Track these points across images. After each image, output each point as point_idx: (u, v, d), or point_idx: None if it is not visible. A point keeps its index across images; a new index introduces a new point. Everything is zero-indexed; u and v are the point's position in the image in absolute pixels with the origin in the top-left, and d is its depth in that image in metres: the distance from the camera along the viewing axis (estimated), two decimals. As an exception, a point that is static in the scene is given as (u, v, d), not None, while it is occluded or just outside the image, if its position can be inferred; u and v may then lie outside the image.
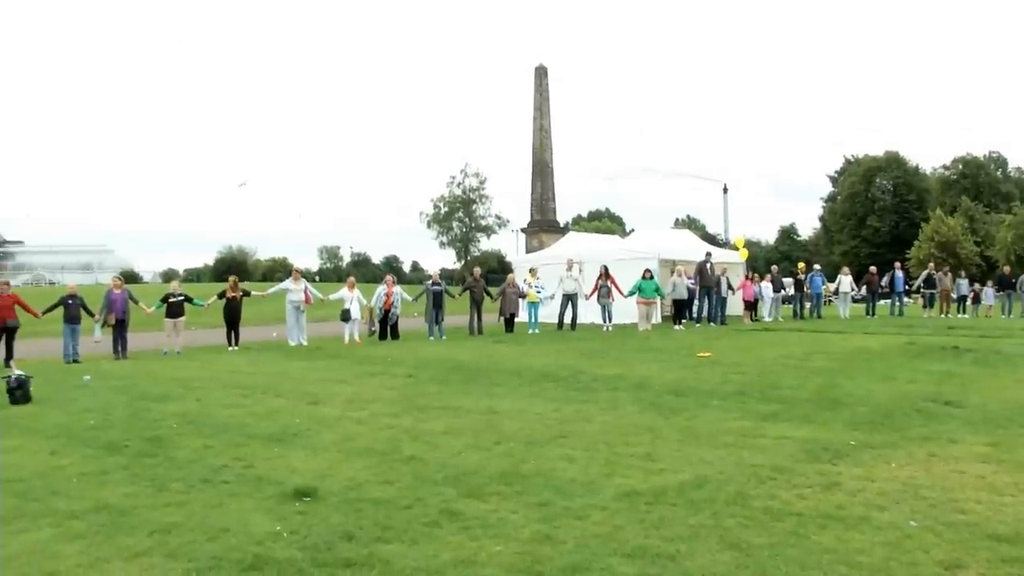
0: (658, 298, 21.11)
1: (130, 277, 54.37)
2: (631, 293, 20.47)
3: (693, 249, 25.02)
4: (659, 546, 4.25)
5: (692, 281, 22.20)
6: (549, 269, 22.51)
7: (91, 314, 16.55)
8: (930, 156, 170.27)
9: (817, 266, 26.76)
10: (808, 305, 25.04)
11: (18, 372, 10.30)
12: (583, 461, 6.23)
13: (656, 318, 21.45)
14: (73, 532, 4.77)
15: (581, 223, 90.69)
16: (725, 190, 45.74)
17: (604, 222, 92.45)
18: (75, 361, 15.46)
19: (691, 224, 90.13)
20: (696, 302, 22.33)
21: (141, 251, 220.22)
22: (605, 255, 23.14)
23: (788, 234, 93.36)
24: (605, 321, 20.75)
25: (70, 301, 16.13)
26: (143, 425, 8.24)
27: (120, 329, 16.45)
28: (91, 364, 14.69)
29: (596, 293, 20.93)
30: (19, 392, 9.93)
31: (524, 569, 3.97)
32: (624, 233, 57.11)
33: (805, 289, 24.92)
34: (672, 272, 21.71)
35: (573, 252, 23.41)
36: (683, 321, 21.15)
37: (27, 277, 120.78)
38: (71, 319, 16.01)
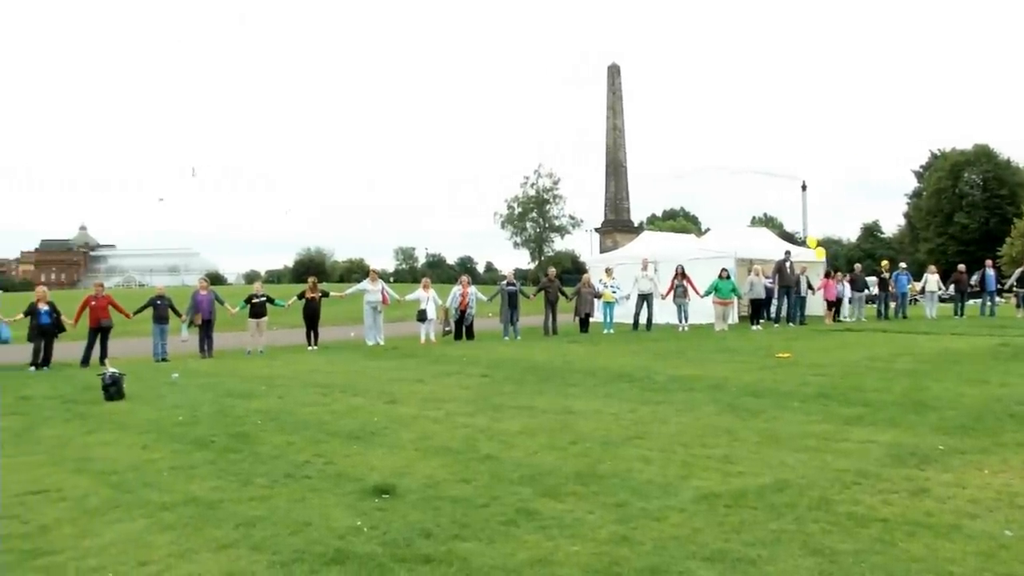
0: (735, 298, 20.76)
1: (215, 279, 56.14)
2: (707, 293, 20.19)
3: (771, 248, 24.51)
4: (739, 550, 4.18)
5: (770, 280, 21.74)
6: (624, 269, 22.37)
7: (178, 314, 17.17)
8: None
9: (902, 264, 25.86)
10: (893, 305, 24.21)
11: (112, 370, 10.74)
12: (660, 462, 6.18)
13: (733, 318, 21.11)
14: (164, 523, 4.96)
15: (656, 222, 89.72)
16: (804, 187, 44.54)
17: (679, 221, 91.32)
18: (164, 359, 16.07)
19: (768, 222, 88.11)
20: (775, 302, 21.88)
21: (224, 254, 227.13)
22: (680, 254, 22.85)
23: (871, 231, 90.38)
24: (681, 321, 20.50)
25: (159, 302, 16.77)
26: (229, 421, 8.51)
27: (206, 329, 17.04)
28: (179, 362, 15.25)
29: (672, 293, 20.70)
30: (113, 389, 10.37)
31: (601, 570, 3.96)
32: (699, 232, 56.25)
33: (890, 288, 24.09)
34: (749, 271, 21.31)
35: (648, 252, 23.21)
36: (761, 321, 20.74)
37: (119, 279, 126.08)
38: (160, 319, 16.65)
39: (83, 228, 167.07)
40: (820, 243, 27.90)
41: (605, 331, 20.28)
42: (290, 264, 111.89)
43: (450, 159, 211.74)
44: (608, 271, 21.69)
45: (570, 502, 5.16)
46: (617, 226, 38.33)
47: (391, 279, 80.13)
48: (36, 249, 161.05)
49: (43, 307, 15.48)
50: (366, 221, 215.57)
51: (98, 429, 8.39)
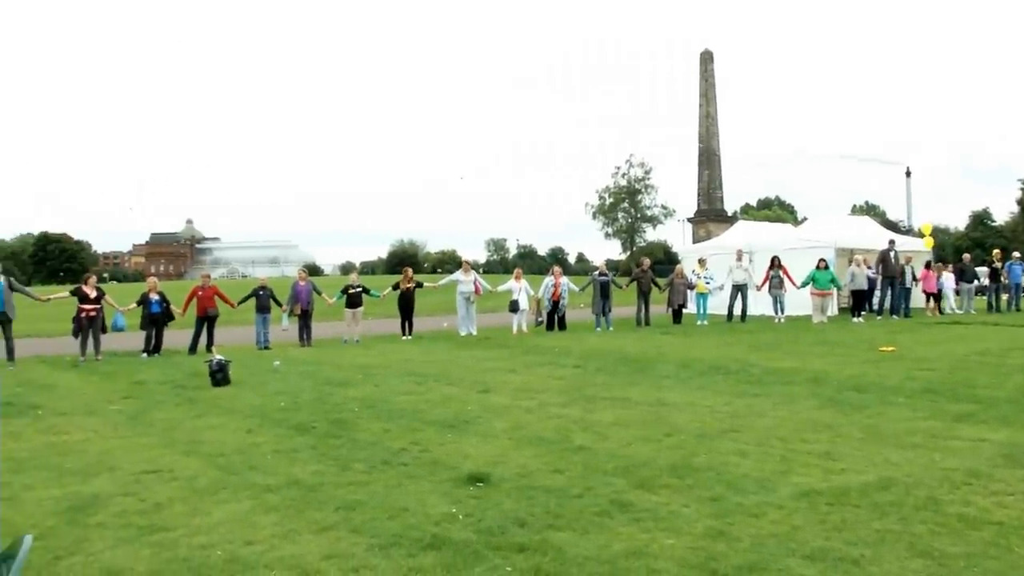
0: (834, 289, 20.10)
1: (312, 270, 57.80)
2: (804, 284, 19.62)
3: (873, 237, 23.61)
4: (841, 549, 4.05)
5: (873, 271, 20.94)
6: (718, 259, 21.96)
7: (279, 304, 17.74)
8: None
9: (1016, 254, 24.45)
10: (1005, 297, 22.95)
11: (219, 357, 11.19)
12: (757, 457, 6.04)
13: (832, 310, 20.46)
14: (268, 505, 5.14)
15: (750, 212, 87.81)
16: (908, 173, 42.63)
17: (774, 210, 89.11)
18: (266, 347, 16.64)
19: (870, 211, 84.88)
20: (877, 293, 21.06)
21: (322, 245, 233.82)
22: (776, 244, 22.28)
23: (980, 219, 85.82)
24: (777, 313, 20.00)
25: (261, 292, 17.35)
26: (328, 408, 8.75)
27: (305, 318, 17.56)
28: (280, 350, 15.76)
29: (767, 284, 20.21)
30: (220, 375, 10.80)
31: (698, 565, 3.90)
32: (796, 221, 54.68)
33: (1002, 279, 22.84)
34: (850, 261, 20.59)
35: (742, 242, 22.73)
36: (863, 313, 20.02)
37: (223, 271, 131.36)
38: (262, 309, 17.23)
39: (190, 222, 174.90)
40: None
41: (698, 322, 19.97)
42: (384, 255, 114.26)
43: (541, 149, 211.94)
44: (701, 261, 21.34)
45: (665, 495, 5.10)
46: (710, 216, 37.61)
47: (482, 270, 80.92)
48: (146, 242, 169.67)
49: (154, 297, 16.22)
50: (458, 212, 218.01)
51: (206, 413, 8.76)
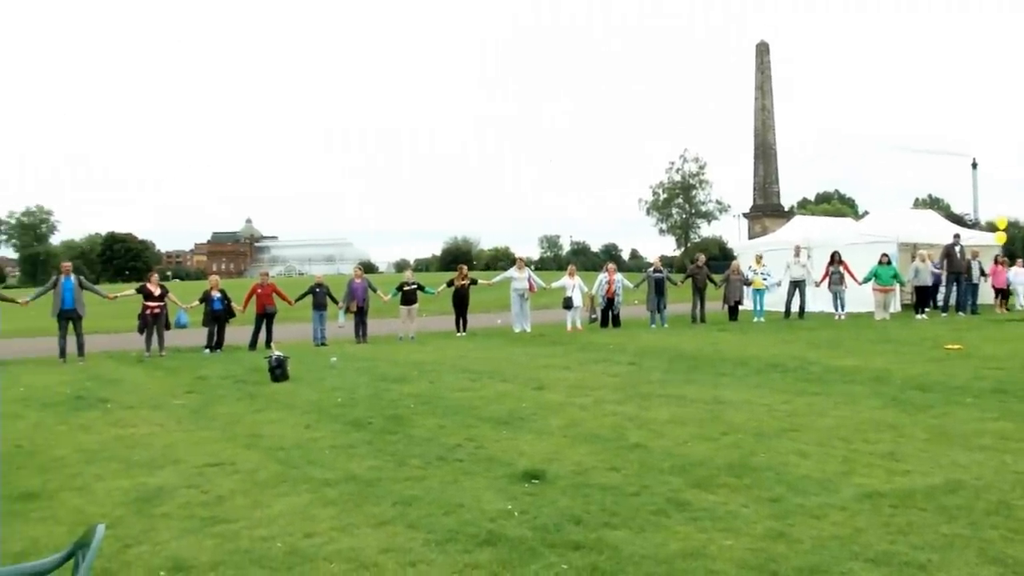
0: (896, 285, 19.59)
1: (367, 268, 58.46)
2: (866, 279, 19.17)
3: (937, 231, 22.93)
4: (907, 554, 3.95)
5: (937, 266, 20.35)
6: (775, 255, 21.57)
7: (336, 301, 17.99)
8: None
9: (1093, 248, 23.53)
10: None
11: (277, 353, 11.38)
12: (817, 457, 5.92)
13: (895, 306, 19.95)
14: (327, 498, 5.22)
15: (808, 206, 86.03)
16: (974, 165, 41.40)
17: (833, 204, 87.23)
18: (323, 344, 16.89)
19: (934, 204, 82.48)
20: (942, 289, 20.46)
21: (376, 243, 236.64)
22: (836, 239, 21.80)
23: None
24: (837, 309, 19.58)
25: (318, 290, 17.62)
26: (384, 404, 8.85)
27: (361, 315, 17.78)
28: (336, 347, 15.99)
29: (827, 280, 19.80)
30: (279, 371, 11.00)
31: (757, 566, 3.84)
32: (856, 216, 53.43)
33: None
34: (913, 257, 20.05)
35: (800, 237, 22.31)
36: (926, 310, 19.48)
37: (280, 268, 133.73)
38: (319, 306, 17.50)
39: (249, 221, 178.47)
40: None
41: (755, 319, 19.68)
42: (438, 252, 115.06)
43: (594, 145, 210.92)
44: (758, 257, 21.00)
45: (722, 494, 5.04)
46: (766, 211, 37.00)
47: (536, 267, 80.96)
48: (208, 241, 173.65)
49: (215, 294, 16.59)
50: (511, 209, 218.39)
51: (266, 408, 8.93)
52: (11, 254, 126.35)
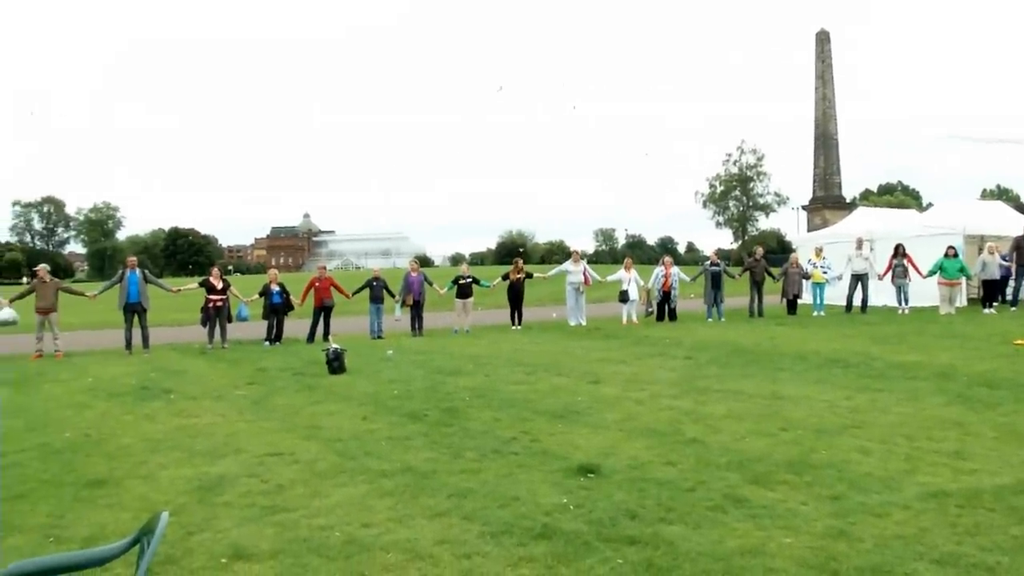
0: (963, 278, 18.98)
1: (423, 261, 58.91)
2: (931, 273, 18.61)
3: (1006, 222, 22.10)
4: (974, 555, 3.83)
5: (1007, 259, 19.65)
6: (835, 248, 21.12)
7: (392, 295, 18.15)
8: None
9: None
10: None
11: (335, 346, 11.54)
12: (880, 454, 5.78)
13: (961, 300, 19.34)
14: (383, 489, 5.28)
15: (870, 198, 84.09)
16: (1048, 154, 39.86)
17: (896, 196, 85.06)
18: (379, 337, 17.07)
19: (1002, 195, 79.73)
20: (1011, 283, 19.76)
21: (432, 237, 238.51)
22: (899, 232, 21.22)
23: None
24: (900, 303, 19.08)
25: (374, 283, 17.81)
26: (439, 397, 8.90)
27: (417, 309, 17.90)
28: (393, 340, 16.14)
29: (890, 273, 19.30)
30: (336, 363, 11.15)
31: (817, 565, 3.77)
32: (921, 207, 51.99)
33: None
34: (981, 249, 19.39)
35: (862, 229, 21.77)
36: (995, 304, 18.83)
37: (338, 262, 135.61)
38: (375, 299, 17.69)
39: (307, 216, 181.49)
40: None
41: (815, 313, 19.30)
42: (493, 246, 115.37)
43: (648, 137, 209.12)
44: (818, 250, 20.58)
45: (782, 491, 4.95)
46: (827, 203, 36.30)
47: (591, 260, 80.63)
48: (267, 236, 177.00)
49: (275, 288, 16.88)
50: (566, 203, 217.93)
51: (324, 400, 9.06)
52: (80, 249, 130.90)
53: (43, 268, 15.59)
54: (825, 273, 20.01)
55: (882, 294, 19.99)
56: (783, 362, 10.84)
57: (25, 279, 63.25)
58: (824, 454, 5.84)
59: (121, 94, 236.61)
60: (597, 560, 3.91)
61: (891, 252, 19.41)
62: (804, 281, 20.39)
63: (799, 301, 20.26)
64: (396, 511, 4.81)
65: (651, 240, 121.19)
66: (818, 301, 19.81)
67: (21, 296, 15.40)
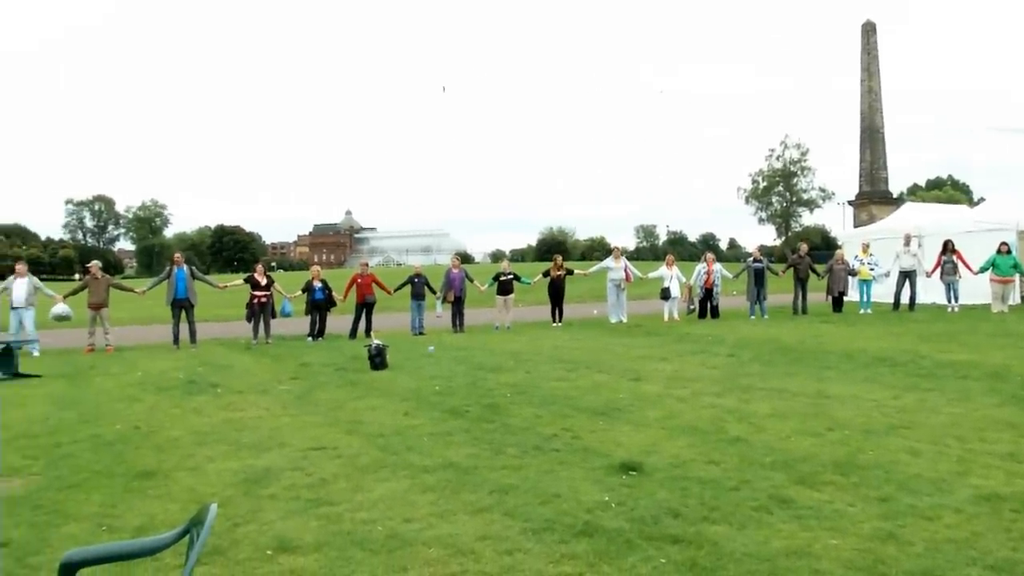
0: (1017, 276, 18.49)
1: (463, 258, 59.21)
2: (983, 269, 18.15)
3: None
4: (1030, 560, 3.72)
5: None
6: (882, 244, 20.73)
7: (433, 291, 18.25)
8: None
9: None
10: None
11: (377, 342, 11.64)
12: (930, 456, 5.65)
13: (1014, 298, 18.84)
14: (425, 485, 5.30)
15: (918, 193, 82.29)
16: (1107, 148, 38.68)
17: (946, 191, 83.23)
18: (420, 333, 17.17)
19: (1060, 189, 77.37)
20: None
21: (472, 234, 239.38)
22: (949, 227, 20.73)
23: None
24: (950, 301, 18.64)
25: (416, 280, 17.91)
26: (480, 393, 8.92)
27: (458, 305, 17.97)
28: (434, 336, 16.22)
29: (939, 270, 18.87)
30: (378, 359, 11.24)
31: (865, 568, 3.69)
32: (971, 202, 50.78)
33: None
34: (1036, 245, 18.88)
35: (910, 225, 21.33)
36: (1050, 302, 18.33)
37: (379, 259, 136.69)
38: (417, 296, 17.79)
39: (348, 213, 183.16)
40: None
41: (861, 311, 18.97)
42: (533, 243, 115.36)
43: (689, 133, 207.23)
44: (864, 247, 20.22)
45: (828, 492, 4.87)
46: (873, 198, 35.63)
47: (631, 257, 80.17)
48: (309, 233, 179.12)
49: (317, 284, 17.07)
50: (606, 199, 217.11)
51: (366, 395, 9.14)
52: (129, 246, 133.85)
53: (95, 265, 15.95)
54: (872, 270, 19.65)
55: (931, 292, 19.55)
56: (829, 360, 10.67)
57: (78, 275, 64.81)
58: (872, 455, 5.73)
59: (167, 93, 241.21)
60: (639, 558, 3.88)
61: (940, 248, 18.99)
62: (850, 278, 20.06)
63: (845, 299, 19.93)
64: (438, 506, 4.82)
65: (692, 237, 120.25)
66: (865, 298, 19.46)
67: (74, 292, 15.81)
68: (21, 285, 15.03)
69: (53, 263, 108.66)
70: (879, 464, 5.45)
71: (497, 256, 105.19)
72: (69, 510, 4.95)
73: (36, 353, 14.54)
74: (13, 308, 14.96)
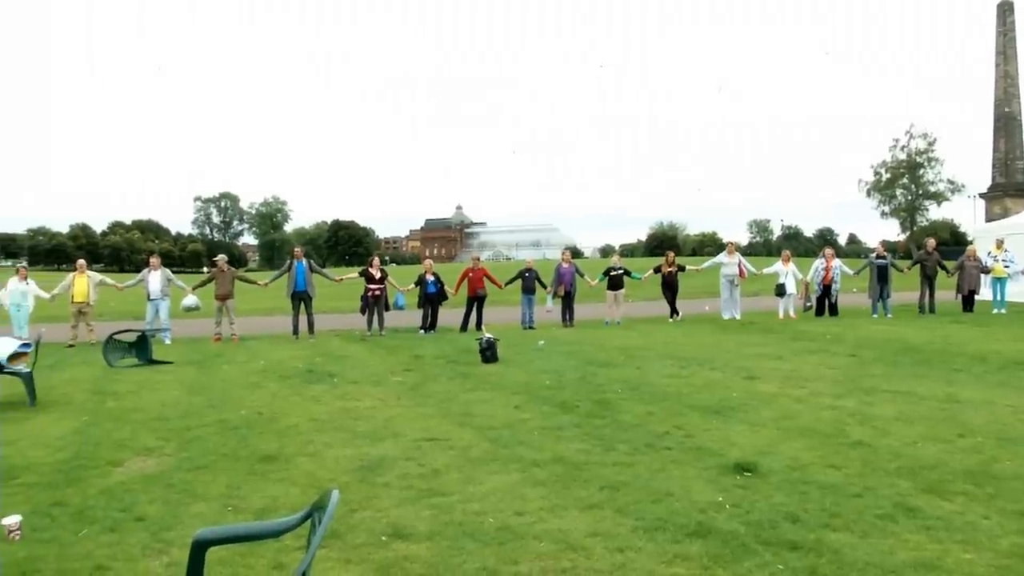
0: None
1: (573, 253, 59.13)
2: None
3: None
4: None
5: None
6: (1018, 239, 19.44)
7: (544, 286, 18.26)
8: None
9: None
10: None
11: (488, 335, 11.74)
12: (1075, 467, 5.26)
13: None
14: (535, 479, 5.32)
15: (1061, 185, 76.70)
16: None
17: (1093, 182, 77.10)
18: (530, 327, 17.22)
19: None
20: None
21: (581, 229, 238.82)
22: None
23: None
24: (1097, 302, 17.35)
25: (527, 274, 17.96)
26: (591, 388, 8.88)
27: (568, 299, 17.93)
28: (544, 330, 16.25)
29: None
30: (489, 352, 11.34)
31: (1002, 583, 3.47)
32: (1124, 195, 46.95)
33: None
34: None
35: (1053, 220, 19.94)
36: None
37: (489, 253, 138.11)
38: (528, 290, 17.83)
39: (459, 208, 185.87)
40: None
41: (995, 310, 17.85)
42: (643, 238, 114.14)
43: (806, 121, 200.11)
44: (999, 242, 19.01)
45: (959, 502, 4.60)
46: (1008, 190, 33.42)
47: (745, 252, 78.13)
48: (421, 228, 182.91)
49: (429, 278, 17.35)
50: (718, 192, 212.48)
51: (477, 388, 9.24)
52: (252, 241, 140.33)
53: (222, 258, 16.72)
54: (1007, 267, 18.47)
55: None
56: (959, 363, 10.09)
57: (205, 268, 68.32)
58: (1008, 464, 5.38)
59: (289, 94, 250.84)
60: (755, 564, 3.77)
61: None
62: (982, 276, 18.90)
63: (976, 297, 18.80)
64: (548, 501, 4.83)
65: (808, 232, 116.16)
66: (999, 298, 18.31)
67: (202, 284, 16.61)
68: (156, 277, 15.96)
69: (183, 257, 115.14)
70: (1017, 474, 5.12)
71: (606, 251, 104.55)
72: (197, 490, 5.22)
73: (167, 341, 15.41)
74: (150, 299, 15.89)
